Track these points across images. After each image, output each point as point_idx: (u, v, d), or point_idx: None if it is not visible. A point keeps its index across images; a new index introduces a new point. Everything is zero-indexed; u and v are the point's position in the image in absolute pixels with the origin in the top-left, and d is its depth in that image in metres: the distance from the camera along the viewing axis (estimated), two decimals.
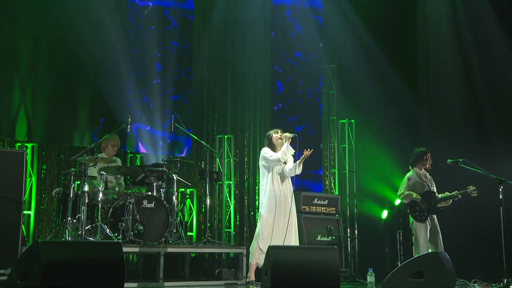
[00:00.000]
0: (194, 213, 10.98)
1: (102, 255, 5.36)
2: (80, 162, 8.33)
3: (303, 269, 5.97)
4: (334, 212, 9.70)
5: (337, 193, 11.67)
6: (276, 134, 7.45)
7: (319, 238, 9.36)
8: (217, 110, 11.72)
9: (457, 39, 11.83)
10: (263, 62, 12.02)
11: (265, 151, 7.41)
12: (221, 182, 11.27)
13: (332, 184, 11.86)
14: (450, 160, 8.18)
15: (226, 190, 11.31)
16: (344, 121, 12.06)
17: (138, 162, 10.67)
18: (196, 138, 9.70)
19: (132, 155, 10.64)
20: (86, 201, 7.95)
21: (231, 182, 11.26)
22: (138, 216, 8.14)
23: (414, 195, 8.54)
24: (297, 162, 7.24)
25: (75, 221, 8.00)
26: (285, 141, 7.29)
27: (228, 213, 11.24)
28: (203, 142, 9.44)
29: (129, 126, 8.58)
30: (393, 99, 11.96)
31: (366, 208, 11.80)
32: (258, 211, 7.43)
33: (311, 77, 12.36)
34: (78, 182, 8.18)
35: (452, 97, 11.76)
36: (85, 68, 10.21)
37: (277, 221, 7.22)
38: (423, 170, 8.63)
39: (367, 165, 11.94)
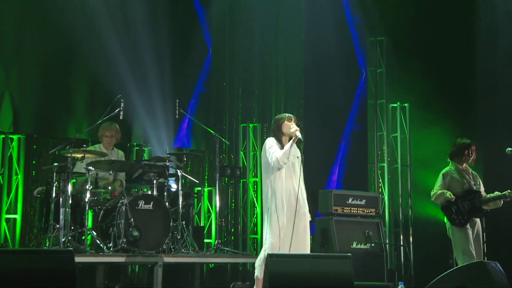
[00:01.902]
0: (213, 216, 10.78)
1: (50, 266, 5.11)
2: (64, 156, 8.16)
3: (307, 281, 5.71)
4: (373, 214, 9.37)
5: (386, 191, 11.45)
6: (289, 122, 7.01)
7: (354, 245, 8.99)
8: (241, 94, 11.59)
9: None
10: (295, 37, 11.81)
11: (270, 144, 6.96)
12: (245, 180, 11.06)
13: (380, 181, 11.58)
14: (510, 149, 7.70)
15: (251, 188, 11.01)
16: (395, 105, 11.81)
17: (146, 157, 10.48)
18: (204, 126, 9.41)
19: (138, 148, 10.54)
20: (70, 202, 7.74)
21: (257, 180, 10.94)
22: (132, 219, 7.89)
23: (448, 194, 8.09)
24: (289, 144, 6.83)
25: (57, 226, 7.77)
26: (292, 139, 6.85)
27: (255, 216, 10.95)
28: (212, 130, 9.19)
29: (121, 112, 8.16)
30: (454, 79, 11.59)
31: (422, 210, 11.36)
32: (263, 215, 6.97)
33: (354, 52, 12.14)
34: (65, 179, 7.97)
35: None
36: (81, 48, 10.10)
37: (289, 227, 6.79)
38: (464, 165, 8.26)
39: (423, 158, 11.50)
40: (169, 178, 8.95)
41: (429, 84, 11.59)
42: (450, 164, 8.40)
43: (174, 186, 9.09)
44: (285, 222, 6.74)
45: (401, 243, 11.16)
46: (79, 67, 10.21)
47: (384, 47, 11.86)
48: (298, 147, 6.95)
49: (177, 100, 9.13)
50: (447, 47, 11.59)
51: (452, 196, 8.07)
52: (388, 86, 11.83)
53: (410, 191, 11.42)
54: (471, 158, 8.31)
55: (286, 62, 11.77)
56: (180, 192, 8.68)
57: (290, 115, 7.01)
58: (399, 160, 11.52)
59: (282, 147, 6.89)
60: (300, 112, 11.34)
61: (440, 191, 8.17)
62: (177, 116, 9.20)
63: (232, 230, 11.13)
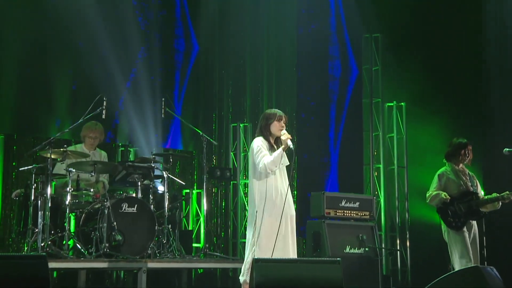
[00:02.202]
0: (202, 220, 10.60)
1: (23, 272, 5.02)
2: (43, 156, 8.06)
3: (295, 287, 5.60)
4: (367, 217, 9.21)
5: (382, 194, 11.38)
6: (278, 122, 6.85)
7: (347, 250, 8.81)
8: (232, 93, 11.48)
9: None
10: (287, 32, 11.76)
11: (258, 146, 6.77)
12: (235, 182, 10.96)
13: (376, 183, 11.48)
14: (508, 150, 7.59)
15: (242, 191, 10.91)
16: (391, 104, 11.70)
17: (132, 157, 10.35)
18: (191, 125, 9.27)
19: (123, 148, 10.43)
20: (50, 205, 7.62)
21: (248, 182, 10.79)
22: (115, 223, 7.82)
23: (443, 195, 7.94)
24: (279, 151, 6.69)
25: (36, 230, 7.65)
26: (283, 144, 6.70)
27: (245, 219, 10.83)
28: (199, 130, 9.07)
29: (104, 111, 8.05)
30: (453, 77, 11.52)
31: (420, 213, 11.26)
32: (249, 216, 6.86)
33: (348, 49, 12.02)
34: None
35: None
36: (63, 43, 9.96)
37: (275, 227, 6.66)
38: (460, 165, 8.16)
39: (420, 159, 11.44)
40: (155, 180, 8.88)
41: (427, 82, 11.54)
42: (446, 164, 8.29)
43: (161, 188, 9.01)
44: (274, 224, 6.64)
45: (398, 248, 11.08)
46: (61, 63, 10.06)
47: (379, 44, 11.76)
48: (288, 156, 6.80)
49: (163, 99, 9.04)
50: (446, 43, 11.52)
51: (448, 196, 7.96)
52: (384, 84, 11.71)
53: (407, 193, 11.31)
54: (468, 159, 8.19)
55: (279, 59, 11.71)
56: (166, 195, 8.60)
57: (281, 113, 6.83)
58: (395, 161, 11.46)
59: (270, 146, 6.76)
60: (293, 111, 11.31)
61: (435, 192, 8.06)
62: (163, 115, 9.11)
63: (222, 234, 11.00)
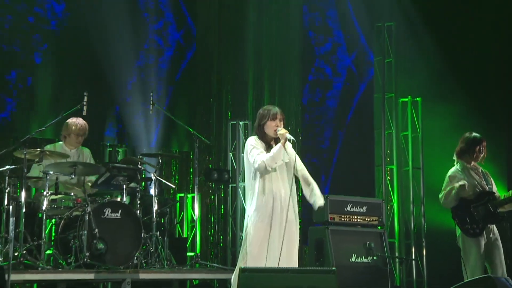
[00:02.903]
0: (198, 226, 10.50)
1: None
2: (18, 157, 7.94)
3: None
4: (376, 222, 9.06)
5: (396, 198, 11.26)
6: (272, 122, 6.65)
7: (353, 258, 8.64)
8: (231, 88, 11.44)
9: None
10: (292, 23, 11.71)
11: (251, 145, 6.60)
12: (234, 185, 10.82)
13: (389, 186, 11.35)
14: None
15: (241, 194, 10.73)
16: (406, 99, 11.58)
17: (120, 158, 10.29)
18: (181, 123, 9.13)
19: (111, 148, 10.40)
20: (25, 211, 7.47)
21: None
22: (97, 230, 7.67)
23: (457, 185, 7.72)
24: (278, 146, 6.50)
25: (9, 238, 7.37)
26: (281, 140, 6.48)
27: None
28: (191, 129, 8.88)
29: (85, 107, 7.95)
30: (474, 69, 11.48)
31: (437, 218, 11.06)
32: (244, 222, 6.64)
33: (358, 40, 11.93)
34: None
35: None
36: (43, 36, 9.94)
37: (274, 236, 6.47)
38: (472, 163, 7.96)
39: (438, 160, 10.90)
40: (148, 183, 8.81)
41: (445, 75, 11.61)
42: (456, 163, 8.08)
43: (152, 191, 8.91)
44: (270, 230, 6.48)
45: (413, 257, 10.93)
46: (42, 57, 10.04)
47: (393, 33, 11.69)
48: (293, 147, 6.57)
49: (151, 94, 8.86)
50: (467, 32, 11.45)
51: (464, 182, 7.72)
52: (398, 77, 11.67)
53: (423, 197, 11.15)
54: (482, 156, 7.95)
55: (282, 51, 11.67)
56: (155, 199, 8.53)
57: (276, 110, 6.58)
58: (410, 162, 11.41)
59: (266, 147, 6.58)
60: (297, 107, 11.35)
61: (448, 188, 7.83)
62: (151, 112, 8.91)
63: (221, 244, 10.84)
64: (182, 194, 10.45)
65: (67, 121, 8.55)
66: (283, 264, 6.32)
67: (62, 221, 7.97)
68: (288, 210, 6.47)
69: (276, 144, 6.53)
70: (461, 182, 7.74)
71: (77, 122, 8.60)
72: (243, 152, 10.49)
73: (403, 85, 11.63)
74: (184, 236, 10.44)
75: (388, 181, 11.37)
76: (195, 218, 10.45)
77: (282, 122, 6.56)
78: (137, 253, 7.92)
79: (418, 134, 11.42)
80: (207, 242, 10.69)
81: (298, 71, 11.72)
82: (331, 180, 11.71)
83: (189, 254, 10.11)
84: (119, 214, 7.99)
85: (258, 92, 11.49)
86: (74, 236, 7.75)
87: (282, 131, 6.46)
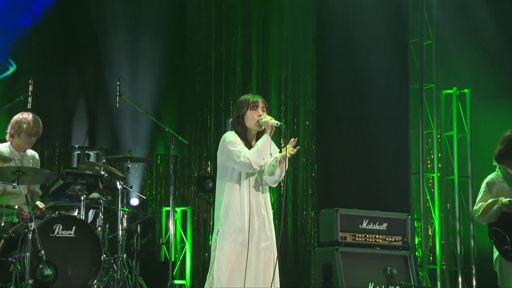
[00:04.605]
0: (189, 247, 10.64)
1: None
2: None
3: None
4: (399, 243, 9.07)
5: (437, 213, 11.18)
6: (253, 111, 6.39)
7: None
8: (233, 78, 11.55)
9: None
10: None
11: (230, 140, 6.39)
12: None
13: (429, 198, 11.23)
14: None
15: None
16: (450, 91, 11.45)
17: None
18: (153, 118, 8.96)
19: (80, 152, 10.44)
20: None
21: None
22: (43, 252, 7.44)
23: (501, 202, 7.46)
24: (278, 160, 6.37)
25: None
26: (266, 130, 6.32)
27: None
28: (166, 126, 8.71)
29: (30, 99, 7.96)
30: None
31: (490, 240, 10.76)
32: (213, 239, 6.55)
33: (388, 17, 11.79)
34: None
35: None
36: None
37: (243, 256, 6.34)
38: None
39: (490, 166, 10.63)
40: (137, 193, 9.20)
41: (501, 61, 11.31)
42: (497, 169, 7.92)
43: (135, 202, 9.47)
44: (240, 252, 6.37)
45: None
46: None
47: (434, 9, 11.63)
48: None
49: (118, 82, 8.78)
50: None
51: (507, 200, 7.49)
52: (440, 64, 11.57)
53: (472, 212, 10.61)
54: None
55: (295, 32, 11.79)
56: (121, 213, 8.52)
57: (256, 98, 6.41)
58: (456, 169, 11.31)
59: (247, 145, 6.39)
60: (312, 100, 11.65)
61: (490, 200, 7.60)
62: (118, 105, 8.84)
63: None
64: (168, 208, 10.26)
65: (16, 117, 8.28)
66: None
67: (2, 241, 7.75)
68: (265, 227, 6.40)
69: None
70: (507, 202, 7.55)
71: (29, 118, 8.29)
72: None
73: (446, 74, 11.54)
74: (172, 260, 10.16)
75: (427, 193, 11.28)
76: (185, 238, 10.67)
77: (265, 112, 6.37)
78: (95, 281, 7.80)
79: (466, 134, 11.38)
80: (198, 268, 10.71)
81: (312, 55, 12.03)
82: (351, 192, 11.63)
83: (177, 282, 10.24)
84: (72, 232, 7.83)
85: (264, 82, 11.80)
86: (15, 259, 7.53)
87: (266, 118, 6.28)
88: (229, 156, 6.33)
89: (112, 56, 10.96)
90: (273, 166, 6.33)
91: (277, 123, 6.20)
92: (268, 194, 6.58)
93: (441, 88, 11.50)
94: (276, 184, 6.53)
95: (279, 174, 6.34)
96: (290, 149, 6.23)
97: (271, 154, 6.36)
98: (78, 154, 10.44)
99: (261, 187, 6.49)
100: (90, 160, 10.41)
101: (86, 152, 10.51)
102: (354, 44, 11.87)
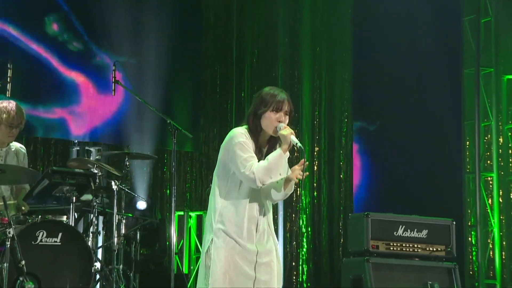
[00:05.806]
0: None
1: None
2: None
3: None
4: (442, 253, 9.04)
5: (496, 219, 11.47)
6: (274, 113, 6.09)
7: None
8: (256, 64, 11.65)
9: None
10: None
11: (239, 141, 6.11)
12: None
13: (486, 202, 11.32)
14: None
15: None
16: None
17: None
18: (153, 108, 8.83)
19: (78, 148, 10.44)
20: None
21: None
22: (23, 262, 7.42)
23: None
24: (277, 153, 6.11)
25: None
26: (282, 143, 6.12)
27: None
28: (168, 119, 8.58)
29: (9, 86, 8.04)
30: None
31: None
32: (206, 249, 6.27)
33: None
34: None
35: None
36: None
37: (240, 271, 6.20)
38: None
39: None
40: (137, 195, 9.21)
41: None
42: None
43: (141, 206, 9.65)
44: (240, 260, 6.20)
45: None
46: None
47: None
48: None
49: (113, 66, 8.68)
50: None
51: None
52: (501, 46, 11.62)
53: None
54: None
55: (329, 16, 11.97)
56: (117, 218, 8.58)
57: (283, 97, 6.13)
58: None
59: (257, 151, 6.16)
60: (345, 93, 11.75)
61: None
62: (113, 94, 8.81)
63: None
64: (181, 213, 10.41)
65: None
66: None
67: None
68: (265, 235, 6.25)
69: (271, 145, 6.21)
70: None
71: (9, 107, 8.24)
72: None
73: (508, 56, 11.54)
74: (185, 272, 10.64)
75: (484, 195, 11.29)
76: (200, 247, 10.78)
77: (287, 117, 6.14)
78: None
79: None
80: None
81: (348, 40, 12.22)
82: (390, 194, 11.75)
83: None
84: (58, 239, 7.88)
85: (291, 70, 11.93)
86: None
87: (286, 131, 6.03)
88: (233, 160, 6.11)
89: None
90: (277, 183, 6.12)
91: (296, 143, 5.95)
92: (264, 200, 6.23)
93: (501, 73, 11.51)
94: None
95: (282, 195, 6.17)
96: (298, 172, 6.03)
97: (280, 174, 6.14)
98: (77, 150, 10.47)
99: (263, 202, 6.20)
100: (91, 157, 10.28)
101: (86, 148, 10.52)
102: (396, 22, 11.90)
